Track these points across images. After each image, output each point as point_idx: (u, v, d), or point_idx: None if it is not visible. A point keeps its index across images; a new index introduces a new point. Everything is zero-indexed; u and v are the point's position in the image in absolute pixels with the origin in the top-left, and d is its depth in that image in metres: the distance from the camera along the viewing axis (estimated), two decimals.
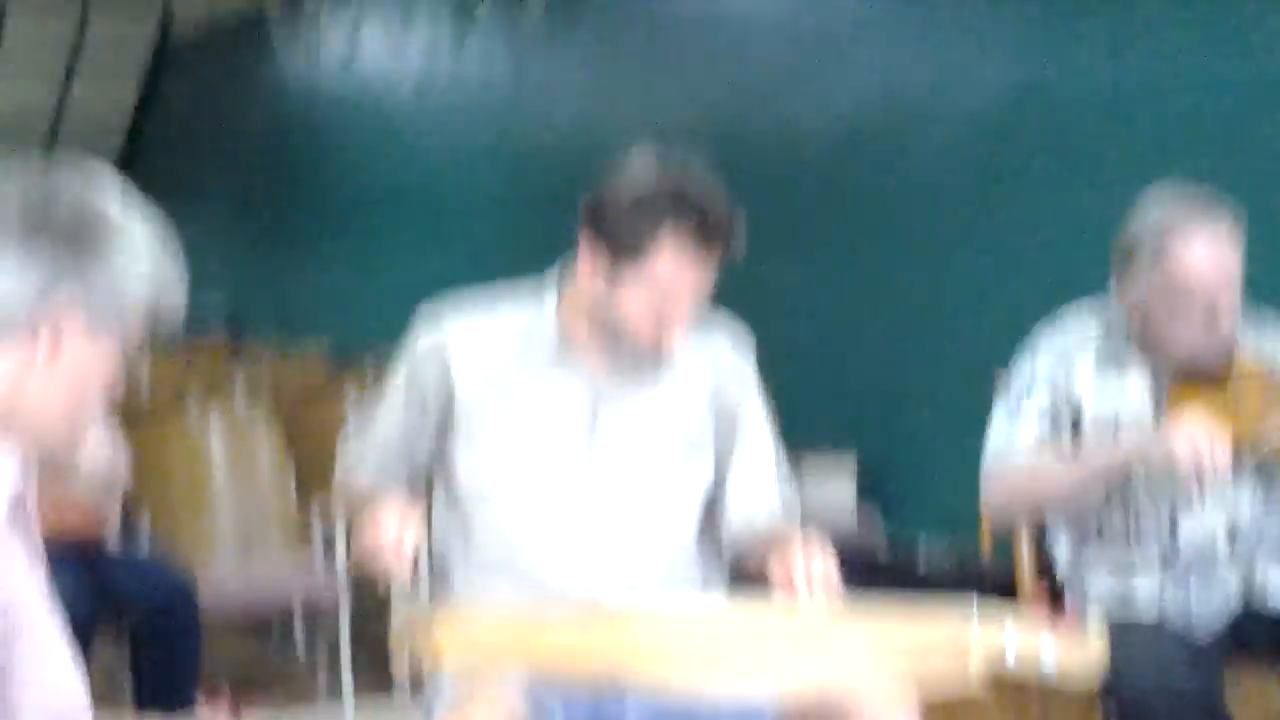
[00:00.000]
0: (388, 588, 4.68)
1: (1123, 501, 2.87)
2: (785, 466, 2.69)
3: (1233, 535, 2.84)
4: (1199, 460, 2.60)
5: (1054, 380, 2.89)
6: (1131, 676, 2.54)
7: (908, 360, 6.07)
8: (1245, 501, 2.85)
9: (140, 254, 1.60)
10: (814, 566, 2.31)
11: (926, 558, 3.73)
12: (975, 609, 2.32)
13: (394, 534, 2.30)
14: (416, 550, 2.35)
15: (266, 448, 4.94)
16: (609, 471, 2.50)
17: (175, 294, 1.66)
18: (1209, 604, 2.80)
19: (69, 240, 1.54)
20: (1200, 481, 2.63)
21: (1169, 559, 2.85)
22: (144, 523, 4.37)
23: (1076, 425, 2.89)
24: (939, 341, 5.89)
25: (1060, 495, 2.88)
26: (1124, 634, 2.66)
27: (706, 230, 2.35)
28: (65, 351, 1.55)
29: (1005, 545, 3.40)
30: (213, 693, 1.68)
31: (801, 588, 2.30)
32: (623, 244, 2.36)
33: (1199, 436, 2.62)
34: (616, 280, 2.39)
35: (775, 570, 2.35)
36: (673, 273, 2.36)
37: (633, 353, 2.46)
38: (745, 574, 2.74)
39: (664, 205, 2.35)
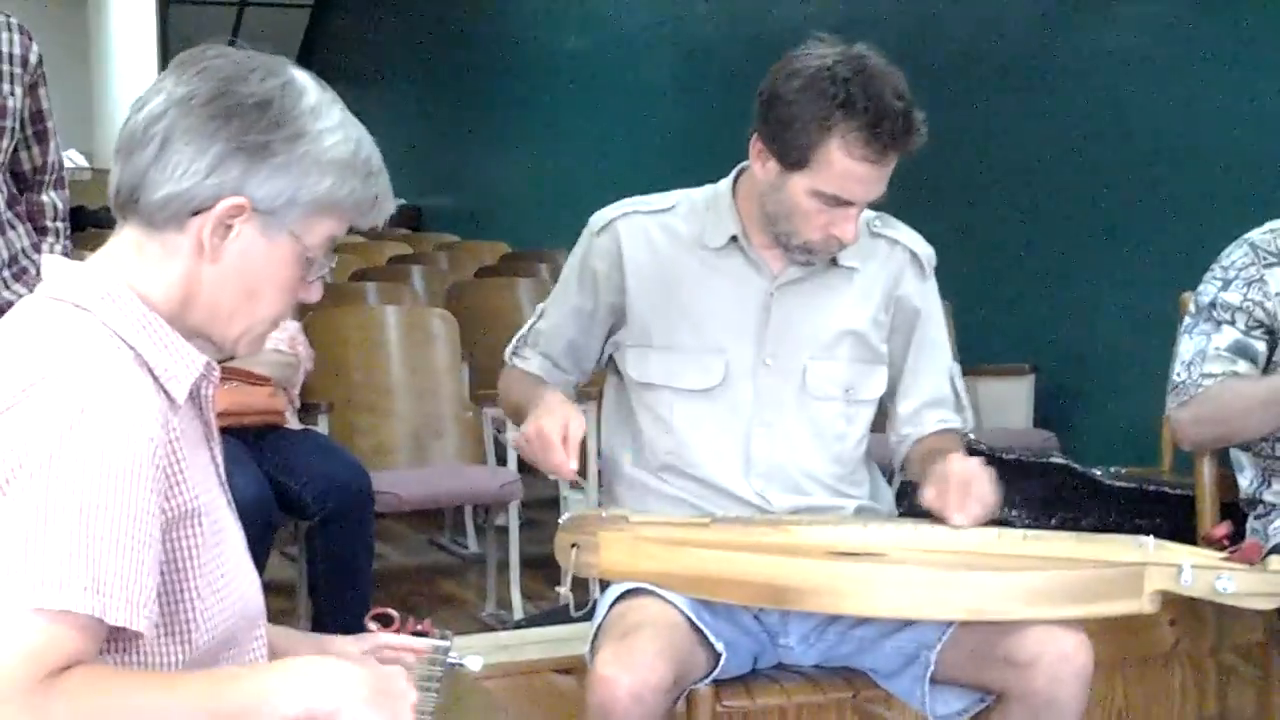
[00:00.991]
0: (557, 488, 4.80)
1: None
2: (961, 381, 2.64)
3: None
4: None
5: (1246, 302, 2.79)
6: None
7: (1091, 280, 5.92)
8: None
9: (335, 144, 1.53)
10: (971, 487, 2.26)
11: (1106, 480, 3.65)
12: (1152, 533, 2.27)
13: (560, 430, 2.27)
14: (583, 447, 2.34)
15: (443, 344, 4.99)
16: (780, 371, 2.47)
17: (377, 190, 1.59)
18: None
19: (256, 125, 1.48)
20: None
21: None
22: (323, 410, 4.45)
23: (1272, 346, 2.79)
24: (1123, 262, 5.73)
25: (1251, 422, 2.77)
26: None
27: (879, 129, 2.26)
28: (237, 247, 1.50)
29: (1185, 468, 3.32)
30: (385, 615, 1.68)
31: (954, 507, 2.25)
32: (791, 141, 2.30)
33: None
34: (785, 178, 2.34)
35: (931, 484, 2.31)
36: (842, 172, 2.29)
37: (805, 254, 2.42)
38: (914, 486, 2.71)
39: (834, 100, 2.26)
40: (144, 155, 1.48)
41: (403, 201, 12.53)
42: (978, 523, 2.25)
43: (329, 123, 1.53)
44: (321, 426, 4.39)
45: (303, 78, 1.54)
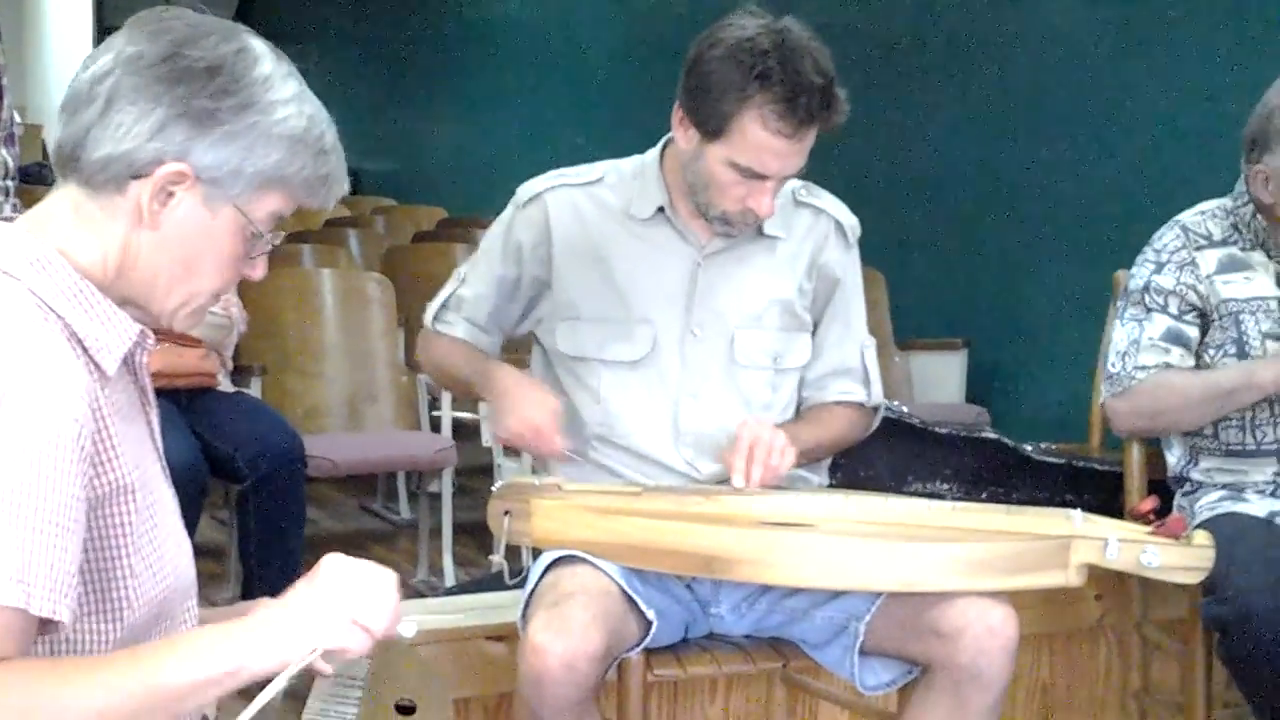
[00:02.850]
0: (491, 456, 4.79)
1: (1241, 417, 2.81)
2: (873, 357, 2.64)
3: None
4: None
5: (1180, 286, 2.82)
6: (1235, 572, 2.49)
7: (1024, 257, 5.97)
8: None
9: (287, 117, 1.48)
10: (758, 452, 2.29)
11: (1036, 456, 3.69)
12: (1080, 508, 2.30)
13: (547, 418, 2.32)
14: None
15: (379, 308, 4.97)
16: (708, 341, 2.48)
17: (328, 170, 1.53)
18: None
19: (204, 90, 1.44)
20: None
21: None
22: (256, 373, 4.42)
23: (1204, 329, 2.83)
24: (1056, 239, 5.78)
25: (1187, 416, 2.82)
26: (1230, 530, 2.62)
27: (796, 103, 2.25)
28: (176, 215, 1.47)
29: (1114, 445, 3.36)
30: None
31: (738, 469, 2.29)
32: (709, 110, 2.30)
33: None
34: (703, 148, 2.34)
35: (730, 444, 2.33)
36: (757, 144, 2.28)
37: (724, 225, 2.42)
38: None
39: (752, 72, 2.25)
40: (88, 113, 1.44)
41: None
42: (762, 485, 2.29)
43: (282, 95, 1.49)
44: (254, 389, 4.37)
45: (260, 47, 1.50)
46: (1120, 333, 2.88)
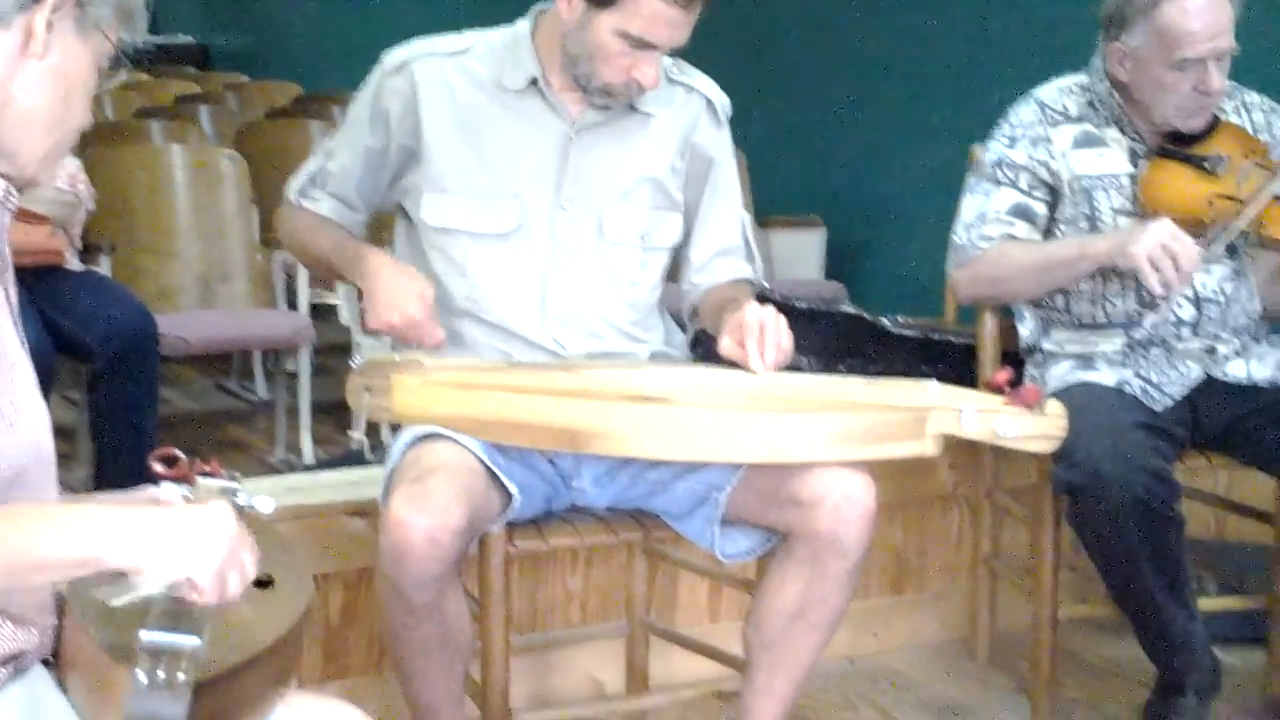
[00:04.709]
0: (349, 334, 4.75)
1: (1091, 291, 2.87)
2: (752, 231, 2.66)
3: (1196, 320, 2.84)
4: (1164, 270, 2.60)
5: (1031, 161, 2.86)
6: (1084, 438, 2.56)
7: (881, 134, 6.01)
8: (1215, 280, 2.84)
9: None
10: (768, 334, 2.28)
11: (894, 329, 3.74)
12: (937, 379, 2.34)
13: (421, 306, 2.28)
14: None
15: (232, 185, 4.87)
16: (577, 216, 2.46)
17: None
18: (1168, 384, 2.82)
19: None
20: (1166, 288, 2.62)
21: (1131, 347, 2.86)
22: (106, 251, 4.31)
23: (1053, 204, 2.87)
24: (913, 116, 5.82)
25: (1023, 285, 2.87)
26: (1081, 398, 2.69)
27: None
28: (60, 42, 1.42)
29: (968, 318, 3.41)
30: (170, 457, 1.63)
31: (754, 354, 2.28)
32: None
33: (1166, 242, 2.60)
34: (591, 16, 2.31)
35: (727, 334, 2.33)
36: (651, 14, 2.27)
37: (605, 97, 2.40)
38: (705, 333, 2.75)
39: None
40: None
41: (189, 39, 12.10)
42: (777, 369, 2.28)
43: None
44: (104, 268, 4.27)
45: None
46: (968, 204, 2.93)
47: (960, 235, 2.92)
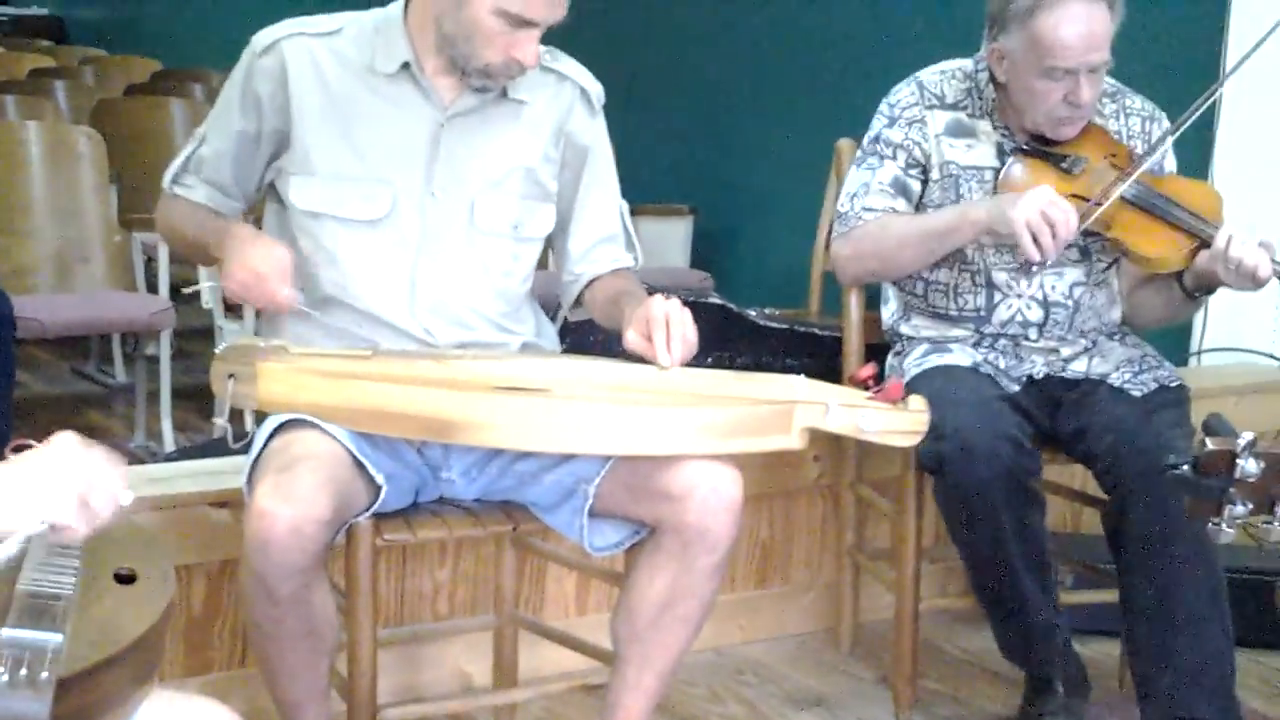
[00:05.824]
0: (211, 318, 4.67)
1: (945, 285, 2.93)
2: (629, 219, 2.66)
3: (1043, 322, 2.90)
4: (1040, 236, 2.64)
5: (907, 140, 2.91)
6: (950, 412, 2.61)
7: (749, 125, 6.04)
8: (1065, 284, 2.91)
9: None
10: (674, 328, 2.29)
11: (760, 321, 3.76)
12: (802, 372, 2.36)
13: (271, 263, 2.23)
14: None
15: (89, 164, 4.75)
16: (448, 204, 2.44)
17: None
18: (1015, 369, 2.89)
19: None
20: (1041, 251, 2.66)
21: (982, 337, 2.93)
22: None
23: (925, 184, 2.92)
24: (780, 108, 5.86)
25: (904, 256, 2.90)
26: (942, 379, 2.76)
27: None
28: None
29: (832, 310, 3.45)
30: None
31: (661, 348, 2.28)
32: None
33: (1044, 209, 2.65)
34: (467, 2, 2.29)
35: (633, 328, 2.32)
36: None
37: (484, 78, 2.38)
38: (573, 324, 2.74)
39: None
40: None
41: (44, 11, 11.79)
42: (683, 362, 2.29)
43: None
44: None
45: None
46: (853, 176, 2.97)
47: (844, 204, 2.96)
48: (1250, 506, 1.84)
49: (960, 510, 2.71)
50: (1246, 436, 1.81)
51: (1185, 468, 1.84)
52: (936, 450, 2.64)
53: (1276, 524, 1.87)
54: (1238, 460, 1.80)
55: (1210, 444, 1.82)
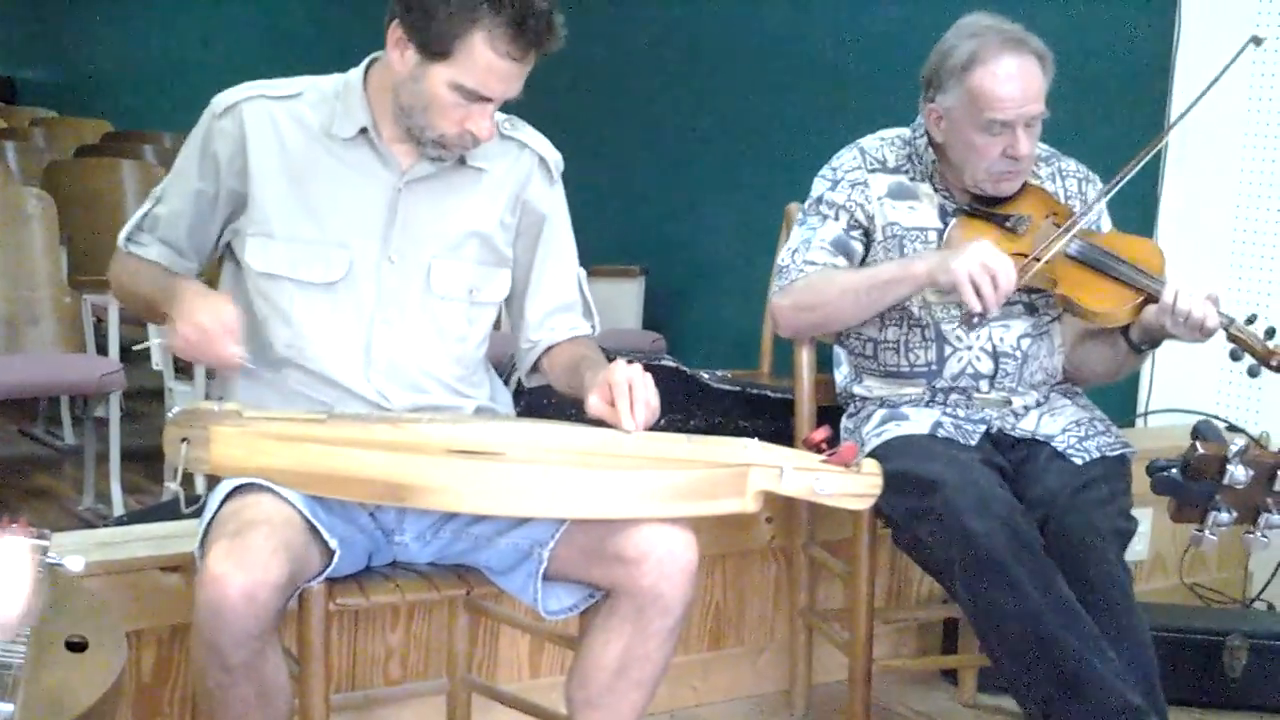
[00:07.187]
0: (161, 380, 4.65)
1: (896, 343, 2.97)
2: (587, 286, 2.68)
3: (993, 373, 2.94)
4: (982, 288, 2.68)
5: (850, 203, 2.96)
6: (922, 467, 2.66)
7: (701, 189, 6.09)
8: (1013, 335, 2.94)
9: None
10: (636, 393, 2.29)
11: (713, 383, 3.77)
12: (756, 434, 2.37)
13: (218, 321, 2.22)
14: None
15: (39, 225, 4.73)
16: (404, 269, 2.45)
17: None
18: (969, 420, 2.91)
19: None
20: (982, 302, 2.69)
21: (935, 393, 2.96)
22: None
23: (868, 246, 2.97)
24: (731, 172, 5.91)
25: (843, 307, 2.93)
26: (901, 446, 2.81)
27: (524, 26, 2.26)
28: None
29: (783, 371, 3.46)
30: None
31: (625, 413, 2.28)
32: (434, 31, 2.27)
33: (985, 261, 2.69)
34: (425, 69, 2.31)
35: (596, 393, 2.33)
36: (485, 67, 2.28)
37: (439, 149, 2.40)
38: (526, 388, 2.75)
39: None
40: None
41: None
42: (646, 427, 2.29)
43: None
44: None
45: None
46: (796, 234, 3.02)
47: (785, 259, 2.99)
48: (1235, 515, 1.85)
49: (980, 594, 2.64)
50: (1239, 443, 1.82)
51: (1174, 471, 1.85)
52: (915, 506, 2.68)
53: (1259, 535, 1.87)
54: (1228, 465, 1.80)
55: (1201, 448, 1.82)
